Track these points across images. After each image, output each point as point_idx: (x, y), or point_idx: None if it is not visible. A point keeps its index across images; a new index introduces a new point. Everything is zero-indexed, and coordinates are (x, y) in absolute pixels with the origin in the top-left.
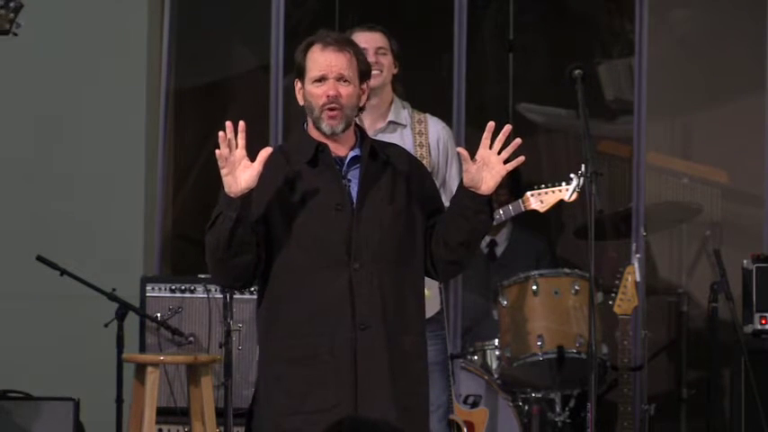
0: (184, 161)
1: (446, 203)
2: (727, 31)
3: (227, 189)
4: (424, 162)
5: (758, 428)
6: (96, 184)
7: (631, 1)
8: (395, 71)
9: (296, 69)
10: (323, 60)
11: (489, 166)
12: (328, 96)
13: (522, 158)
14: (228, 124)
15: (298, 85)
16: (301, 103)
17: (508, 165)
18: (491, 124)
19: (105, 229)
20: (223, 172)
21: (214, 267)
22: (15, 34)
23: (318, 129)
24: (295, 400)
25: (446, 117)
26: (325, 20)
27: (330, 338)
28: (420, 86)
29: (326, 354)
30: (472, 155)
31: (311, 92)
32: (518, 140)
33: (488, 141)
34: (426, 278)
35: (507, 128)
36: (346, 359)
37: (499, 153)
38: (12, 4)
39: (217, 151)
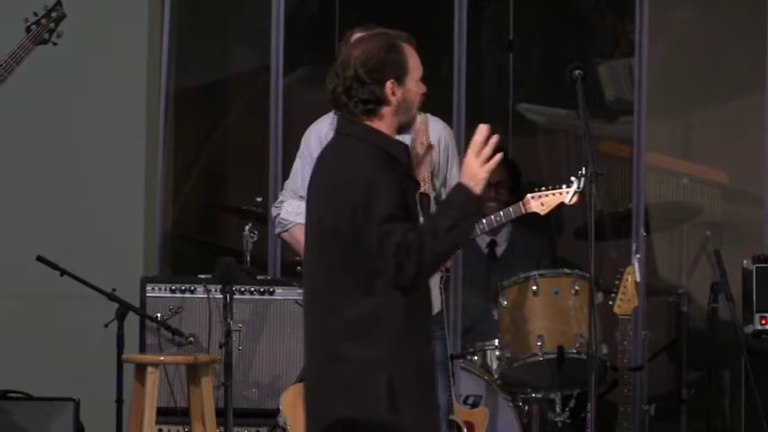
0: (185, 161)
1: None
2: (728, 31)
3: (480, 190)
4: (426, 162)
5: (758, 429)
6: (96, 184)
7: (632, 1)
8: None
9: (388, 69)
10: (419, 60)
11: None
12: (424, 94)
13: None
14: (484, 128)
15: (391, 84)
16: (394, 103)
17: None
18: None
19: (105, 229)
20: (484, 169)
21: (429, 271)
22: (55, 44)
23: (407, 129)
24: (424, 403)
25: (446, 117)
26: (326, 20)
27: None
28: None
29: (431, 357)
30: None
31: (416, 91)
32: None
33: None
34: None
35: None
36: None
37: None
38: (54, 15)
39: (483, 152)
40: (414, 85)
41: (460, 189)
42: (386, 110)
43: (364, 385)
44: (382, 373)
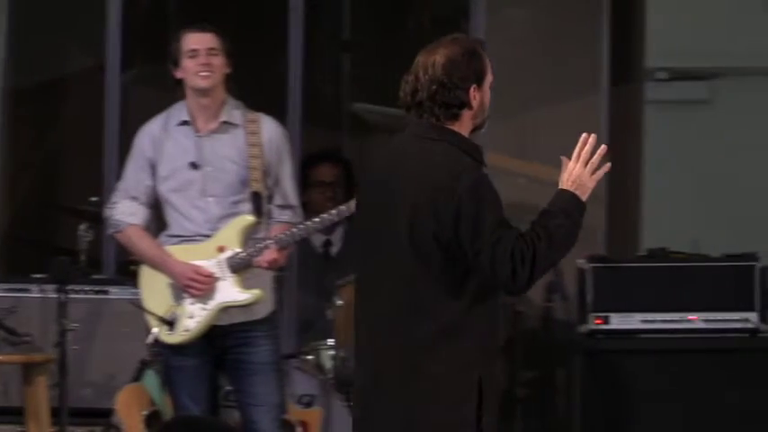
0: (20, 161)
1: (278, 202)
2: (564, 31)
3: (586, 198)
4: (257, 162)
5: (593, 428)
6: None
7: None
8: (227, 71)
9: (471, 74)
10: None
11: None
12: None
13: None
14: (590, 138)
15: (473, 89)
16: (475, 106)
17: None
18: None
19: None
20: (593, 179)
21: (540, 277)
22: None
23: (478, 130)
24: (497, 400)
25: (281, 117)
26: (160, 19)
27: None
28: (255, 86)
29: None
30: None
31: (489, 94)
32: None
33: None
34: (260, 277)
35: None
36: None
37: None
38: None
39: (591, 162)
40: (488, 88)
41: (570, 197)
42: (466, 113)
43: (455, 386)
44: (473, 374)
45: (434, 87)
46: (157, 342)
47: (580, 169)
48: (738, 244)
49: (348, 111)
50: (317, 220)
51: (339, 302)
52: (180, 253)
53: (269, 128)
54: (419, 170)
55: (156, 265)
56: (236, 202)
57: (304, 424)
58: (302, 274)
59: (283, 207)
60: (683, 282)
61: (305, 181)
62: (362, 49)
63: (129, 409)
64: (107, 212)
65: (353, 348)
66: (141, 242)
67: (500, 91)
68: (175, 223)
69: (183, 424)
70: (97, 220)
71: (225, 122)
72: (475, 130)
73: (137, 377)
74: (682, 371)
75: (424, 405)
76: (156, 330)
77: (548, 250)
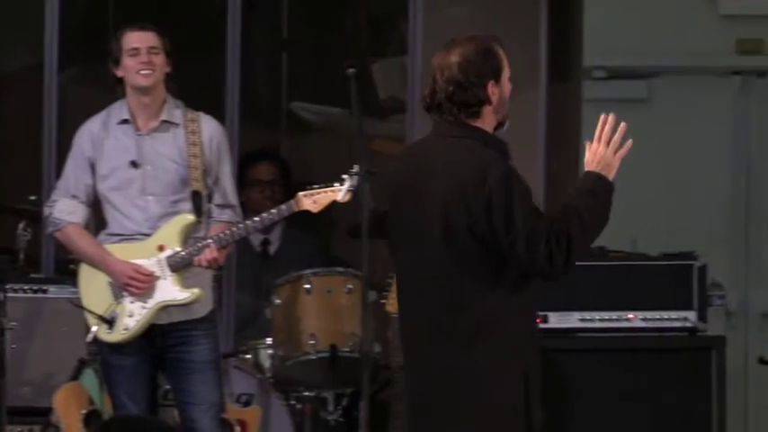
0: None
1: (218, 201)
2: (502, 28)
3: (613, 177)
4: (197, 161)
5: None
6: None
7: None
8: (167, 70)
9: (488, 71)
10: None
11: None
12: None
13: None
14: (609, 117)
15: (491, 85)
16: (495, 102)
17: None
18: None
19: None
20: (617, 157)
21: (575, 259)
22: None
23: (502, 126)
24: (538, 395)
25: (219, 115)
26: (99, 18)
27: None
28: (193, 85)
29: None
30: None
31: (509, 88)
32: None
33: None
34: (199, 276)
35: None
36: None
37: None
38: None
39: (613, 141)
40: (506, 82)
41: (598, 178)
42: (487, 109)
43: (500, 380)
44: (516, 364)
45: (451, 88)
46: (96, 341)
47: (603, 149)
48: (676, 243)
49: (286, 109)
50: (256, 219)
51: (277, 301)
52: (120, 251)
53: (209, 127)
54: (446, 168)
55: (96, 264)
56: (176, 201)
57: (242, 423)
58: (240, 274)
59: (223, 206)
60: (622, 281)
61: (243, 180)
62: (300, 48)
63: (68, 407)
64: (46, 211)
65: (401, 345)
66: (81, 240)
67: None
68: (115, 222)
69: (121, 423)
70: (36, 218)
71: (165, 121)
72: (498, 127)
73: (75, 376)
74: (620, 370)
75: (470, 396)
76: (96, 329)
77: (581, 233)
